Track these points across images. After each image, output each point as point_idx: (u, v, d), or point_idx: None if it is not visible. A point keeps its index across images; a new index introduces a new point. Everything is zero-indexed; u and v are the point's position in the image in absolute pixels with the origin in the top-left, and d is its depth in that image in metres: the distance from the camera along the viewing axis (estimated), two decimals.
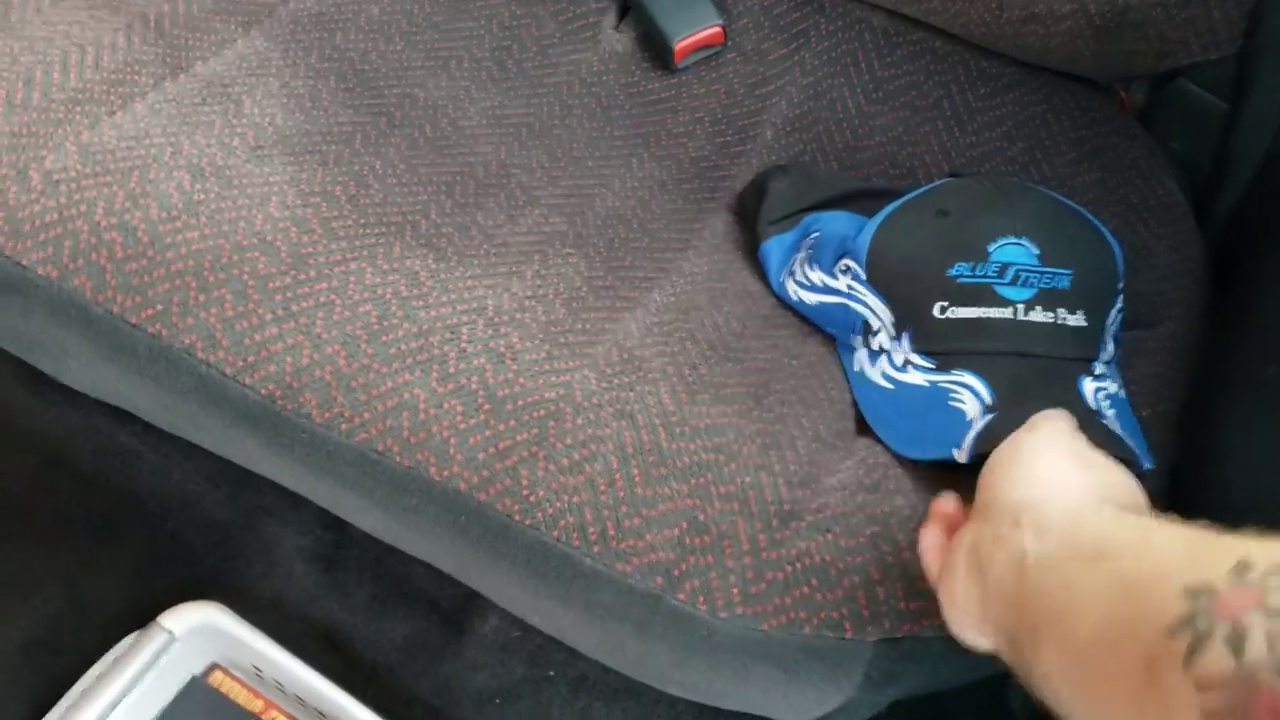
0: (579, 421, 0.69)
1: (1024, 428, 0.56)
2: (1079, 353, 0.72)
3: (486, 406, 0.69)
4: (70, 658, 0.83)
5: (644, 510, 0.67)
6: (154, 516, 0.87)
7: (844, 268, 0.76)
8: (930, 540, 0.59)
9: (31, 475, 0.88)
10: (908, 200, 0.76)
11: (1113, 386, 0.72)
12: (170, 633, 0.82)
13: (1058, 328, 0.71)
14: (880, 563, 0.65)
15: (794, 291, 0.79)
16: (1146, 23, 0.84)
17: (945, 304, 0.71)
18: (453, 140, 0.85)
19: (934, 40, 0.95)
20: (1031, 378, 0.69)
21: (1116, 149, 0.90)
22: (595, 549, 0.66)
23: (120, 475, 0.86)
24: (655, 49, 0.94)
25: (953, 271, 0.71)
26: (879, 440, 0.72)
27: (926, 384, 0.71)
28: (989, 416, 0.67)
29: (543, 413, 0.69)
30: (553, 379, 0.71)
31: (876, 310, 0.74)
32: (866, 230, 0.75)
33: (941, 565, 0.55)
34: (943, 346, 0.72)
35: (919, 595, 0.64)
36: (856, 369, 0.76)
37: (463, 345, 0.71)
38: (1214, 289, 0.85)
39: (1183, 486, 0.73)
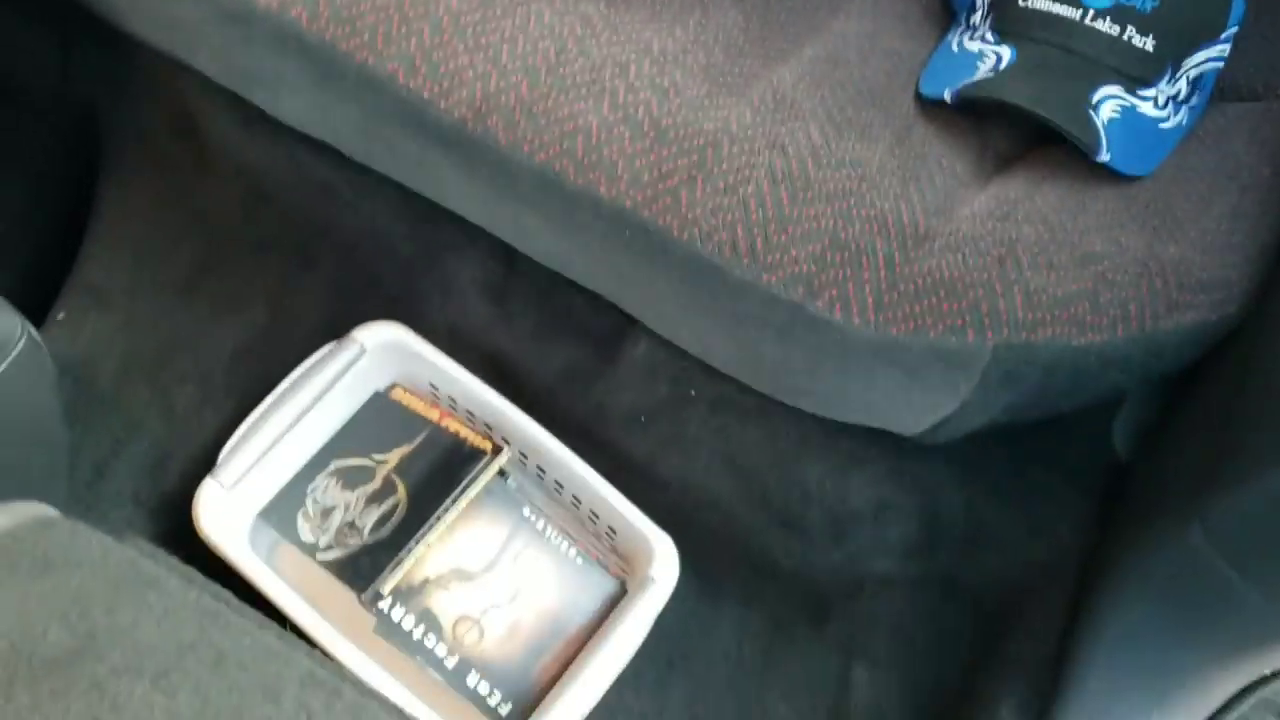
0: (734, 150, 0.77)
1: None
2: (1127, 68, 0.79)
3: (651, 134, 0.77)
4: (274, 364, 0.94)
5: (790, 228, 0.75)
6: (346, 246, 0.98)
7: None
8: None
9: (239, 205, 0.99)
10: None
11: (1149, 110, 0.79)
12: (361, 345, 0.93)
13: (1116, 41, 0.79)
14: (1004, 279, 0.72)
15: None
16: None
17: None
18: None
19: None
20: (1057, 64, 0.80)
21: None
22: (744, 261, 0.75)
23: (317, 207, 0.96)
24: None
25: None
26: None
27: (975, 50, 0.82)
28: (989, 76, 0.80)
29: (702, 141, 0.77)
30: (711, 113, 0.78)
31: None
32: None
33: None
34: (1009, 28, 0.82)
35: (1037, 307, 0.71)
36: (947, 37, 0.86)
37: (631, 80, 0.79)
38: None
39: None
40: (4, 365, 0.72)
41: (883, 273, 0.73)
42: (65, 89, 1.06)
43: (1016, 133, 0.82)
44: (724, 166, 0.76)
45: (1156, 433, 0.86)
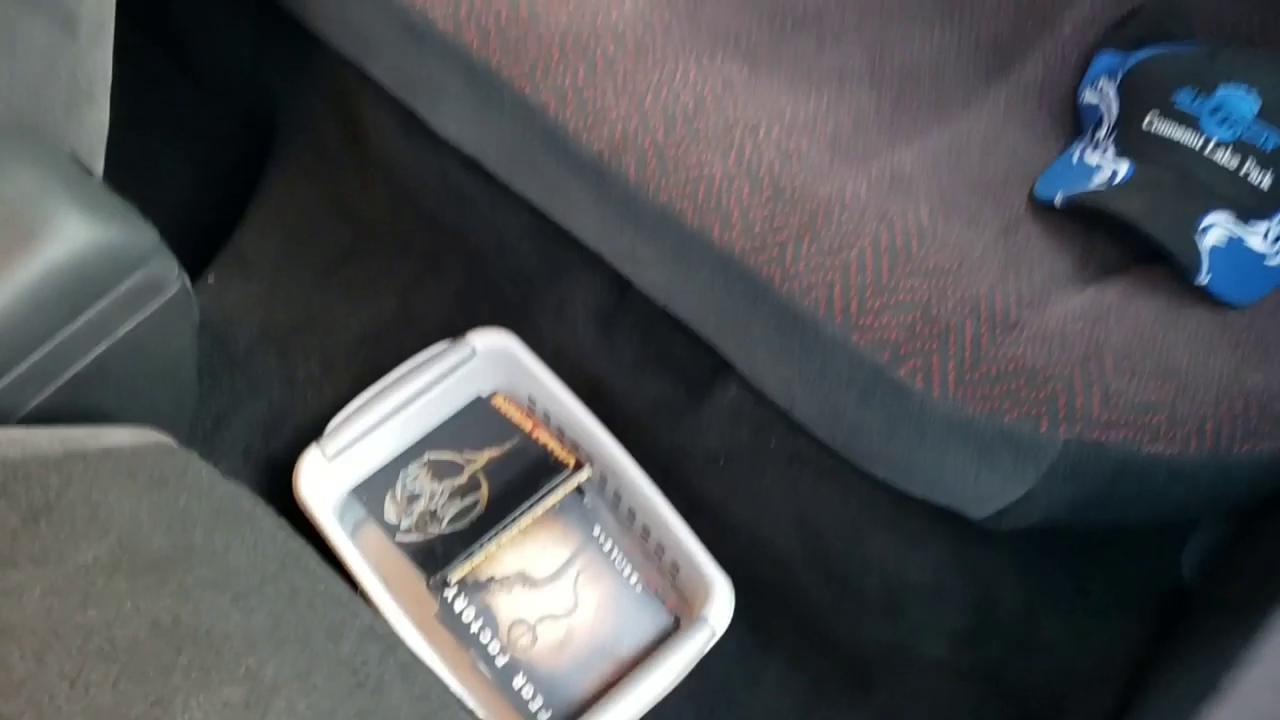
0: (844, 217, 0.81)
1: None
2: (1241, 200, 0.81)
3: (769, 191, 0.82)
4: (392, 353, 1.01)
5: (885, 296, 0.78)
6: (475, 256, 1.05)
7: (1118, 78, 0.88)
8: None
9: (387, 205, 1.07)
10: (1210, 48, 0.87)
11: (1256, 243, 0.81)
12: (473, 348, 0.99)
13: (1235, 175, 0.81)
14: (1085, 376, 0.74)
15: (1085, 94, 0.92)
16: None
17: (1154, 117, 0.84)
18: None
19: None
20: (1171, 185, 0.82)
21: None
22: (837, 320, 0.78)
23: (455, 217, 1.03)
24: None
25: (1177, 96, 0.84)
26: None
27: (1094, 163, 0.85)
28: (1102, 189, 0.83)
29: (815, 205, 0.81)
30: (829, 181, 0.83)
31: (1111, 111, 0.87)
32: (1152, 50, 0.88)
33: None
34: (1131, 147, 0.85)
35: (1114, 409, 0.74)
36: (1070, 148, 0.90)
37: (759, 140, 0.84)
38: None
39: None
40: (158, 304, 0.79)
41: (968, 351, 0.76)
42: (252, 77, 1.16)
43: (1122, 246, 0.84)
44: (832, 230, 0.80)
45: (1223, 562, 0.86)
